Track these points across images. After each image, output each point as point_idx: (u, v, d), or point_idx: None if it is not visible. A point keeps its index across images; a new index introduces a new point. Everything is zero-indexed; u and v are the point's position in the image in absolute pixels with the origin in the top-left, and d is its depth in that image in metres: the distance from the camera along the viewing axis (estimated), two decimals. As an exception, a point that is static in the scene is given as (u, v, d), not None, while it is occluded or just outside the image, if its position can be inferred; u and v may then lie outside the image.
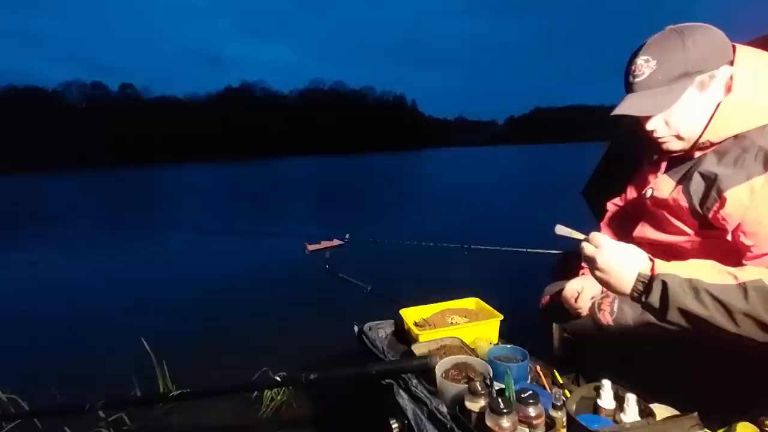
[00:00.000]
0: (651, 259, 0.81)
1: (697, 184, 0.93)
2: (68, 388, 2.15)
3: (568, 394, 1.00)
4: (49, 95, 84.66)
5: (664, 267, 0.78)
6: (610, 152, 1.84)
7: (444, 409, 0.96)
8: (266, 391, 1.97)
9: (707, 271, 0.76)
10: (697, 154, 0.97)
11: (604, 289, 1.12)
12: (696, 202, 0.93)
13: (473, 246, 4.10)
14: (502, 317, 1.37)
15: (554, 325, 1.27)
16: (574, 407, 0.93)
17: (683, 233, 0.98)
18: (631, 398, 0.87)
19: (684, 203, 0.95)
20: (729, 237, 0.88)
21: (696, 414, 0.81)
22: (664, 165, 1.07)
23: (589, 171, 1.95)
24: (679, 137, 0.95)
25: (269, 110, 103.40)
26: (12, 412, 2.02)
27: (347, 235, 5.27)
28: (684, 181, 0.97)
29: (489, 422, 0.79)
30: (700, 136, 0.93)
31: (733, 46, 0.91)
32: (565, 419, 0.84)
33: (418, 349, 1.23)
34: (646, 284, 0.78)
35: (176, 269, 4.97)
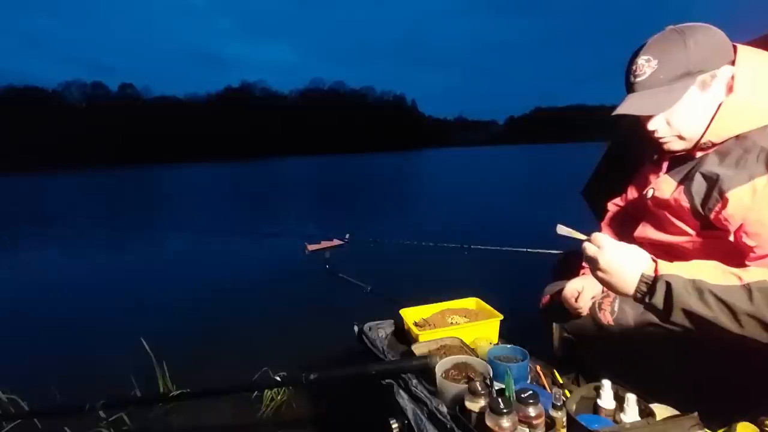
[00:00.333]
0: (654, 260, 0.80)
1: (699, 185, 0.92)
2: (68, 388, 2.15)
3: (568, 394, 1.00)
4: (49, 95, 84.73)
5: (667, 268, 0.78)
6: (611, 152, 1.84)
7: (444, 409, 0.96)
8: (266, 391, 1.97)
9: (711, 272, 0.76)
10: (699, 154, 0.97)
11: (605, 289, 1.12)
12: (698, 202, 0.92)
13: (473, 246, 4.10)
14: (502, 317, 1.37)
15: (554, 325, 1.27)
16: (574, 407, 0.93)
17: (684, 234, 0.98)
18: (631, 398, 0.87)
19: (685, 204, 0.95)
20: (731, 238, 0.88)
21: (696, 414, 0.81)
22: (665, 165, 1.07)
23: (589, 171, 1.95)
24: (680, 137, 0.95)
25: (269, 110, 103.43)
26: (12, 412, 2.02)
27: (347, 235, 5.27)
28: (685, 181, 0.96)
29: (489, 422, 0.79)
30: (702, 136, 0.92)
31: (734, 47, 0.90)
32: (565, 419, 0.84)
33: (418, 349, 1.23)
34: (649, 285, 0.78)
35: (176, 269, 4.97)
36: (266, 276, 4.33)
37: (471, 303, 1.53)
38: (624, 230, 1.20)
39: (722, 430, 0.81)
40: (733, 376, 0.89)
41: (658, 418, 0.85)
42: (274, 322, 3.02)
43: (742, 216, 0.85)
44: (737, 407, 0.83)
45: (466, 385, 0.92)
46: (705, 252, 0.95)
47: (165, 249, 6.05)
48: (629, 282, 0.80)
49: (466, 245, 4.13)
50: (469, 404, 0.88)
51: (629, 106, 0.93)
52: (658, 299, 0.77)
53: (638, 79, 0.92)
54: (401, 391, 1.12)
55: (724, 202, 0.86)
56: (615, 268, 0.80)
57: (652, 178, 1.09)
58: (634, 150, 1.21)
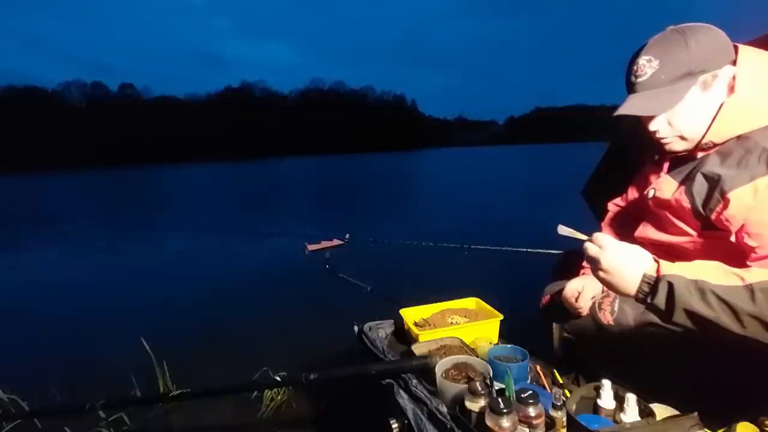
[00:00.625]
0: (656, 260, 0.80)
1: (700, 185, 0.92)
2: (68, 388, 2.15)
3: (568, 394, 1.00)
4: (49, 95, 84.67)
5: (669, 268, 0.78)
6: (611, 152, 1.84)
7: (444, 409, 0.97)
8: (266, 391, 1.97)
9: (713, 272, 0.76)
10: (700, 154, 0.96)
11: (605, 289, 1.12)
12: (699, 203, 0.92)
13: (473, 246, 4.10)
14: (502, 317, 1.37)
15: (554, 325, 1.27)
16: (574, 407, 0.93)
17: (685, 234, 0.98)
18: (631, 398, 0.87)
19: (686, 204, 0.94)
20: (732, 238, 0.88)
21: (696, 414, 0.81)
22: (666, 165, 1.06)
23: (589, 171, 1.95)
24: (682, 138, 0.94)
25: (269, 110, 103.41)
26: (12, 412, 2.01)
27: (347, 235, 5.28)
28: (687, 181, 0.96)
29: (489, 422, 0.79)
30: (703, 137, 0.92)
31: (735, 47, 0.90)
32: (565, 419, 0.84)
33: (418, 349, 1.23)
34: (651, 285, 0.78)
35: (176, 269, 4.97)
36: (266, 276, 4.33)
37: (471, 303, 1.53)
38: (624, 230, 1.20)
39: (722, 430, 0.81)
40: (733, 376, 0.89)
41: (658, 418, 0.85)
42: (274, 322, 3.02)
43: (744, 216, 0.85)
44: (737, 407, 0.83)
45: (466, 385, 0.92)
46: (706, 252, 0.95)
47: (165, 249, 6.05)
48: (631, 282, 0.80)
49: (466, 245, 4.13)
50: (469, 404, 0.88)
51: (631, 107, 0.93)
52: (660, 299, 0.77)
53: (639, 80, 0.91)
54: (401, 391, 1.12)
55: (726, 202, 0.86)
56: (617, 268, 0.80)
57: (652, 178, 1.09)
58: (635, 150, 1.21)
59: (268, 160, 58.01)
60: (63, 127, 73.79)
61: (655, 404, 0.90)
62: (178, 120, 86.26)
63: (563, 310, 1.18)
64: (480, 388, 0.88)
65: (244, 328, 2.93)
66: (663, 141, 0.97)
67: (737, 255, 0.87)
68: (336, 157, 62.23)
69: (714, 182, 0.89)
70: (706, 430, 0.80)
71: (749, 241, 0.85)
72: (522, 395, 0.81)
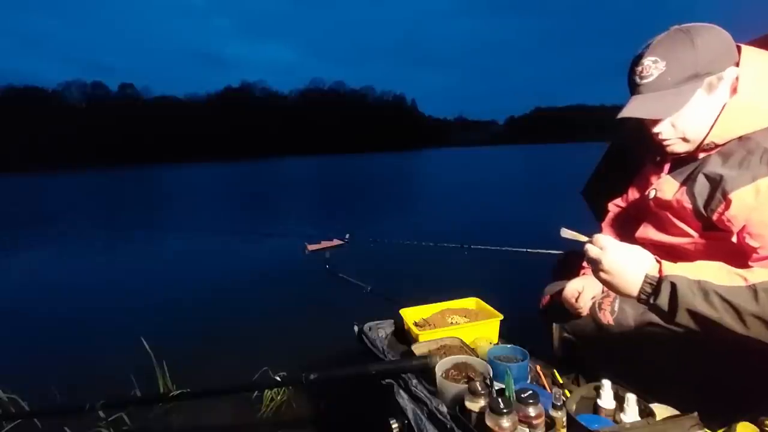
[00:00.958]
0: (658, 261, 0.80)
1: (702, 186, 0.92)
2: (68, 388, 2.15)
3: (568, 394, 1.00)
4: (49, 95, 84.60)
5: (671, 268, 0.77)
6: (611, 152, 1.83)
7: (444, 409, 0.96)
8: (266, 391, 1.97)
9: (716, 273, 0.76)
10: (701, 155, 0.96)
11: (605, 289, 1.12)
12: (700, 203, 0.92)
13: (473, 246, 4.10)
14: (502, 317, 1.37)
15: (554, 325, 1.27)
16: (574, 407, 0.93)
17: (686, 235, 0.97)
18: (631, 398, 0.87)
19: (688, 205, 0.94)
20: (734, 239, 0.88)
21: (696, 414, 0.81)
22: (667, 166, 1.06)
23: (589, 171, 1.95)
24: (684, 139, 0.94)
25: (269, 110, 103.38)
26: (12, 412, 2.01)
27: (347, 235, 5.27)
28: (688, 182, 0.96)
29: (489, 422, 0.79)
30: (705, 138, 0.92)
31: (738, 47, 0.90)
32: (565, 419, 0.84)
33: (418, 349, 1.23)
34: (654, 286, 0.78)
35: (176, 269, 4.97)
36: (266, 276, 4.33)
37: (471, 303, 1.53)
38: (625, 231, 1.20)
39: (722, 430, 0.81)
40: (734, 376, 0.89)
41: (658, 418, 0.85)
42: (274, 322, 3.02)
43: (745, 217, 0.84)
44: (737, 407, 0.83)
45: (466, 385, 0.92)
46: (707, 253, 0.94)
47: (165, 249, 6.05)
48: (633, 283, 0.79)
49: (466, 245, 4.12)
50: (469, 404, 0.88)
51: (635, 109, 0.91)
52: (663, 300, 0.76)
53: (645, 81, 0.90)
54: (401, 391, 1.12)
55: (727, 203, 0.86)
56: (618, 269, 0.80)
57: (653, 178, 1.09)
58: (636, 150, 1.21)
59: (268, 160, 58.02)
60: (63, 127, 73.74)
61: (655, 404, 0.90)
62: (178, 120, 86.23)
63: (563, 310, 1.18)
64: (480, 388, 0.88)
65: (244, 328, 2.93)
66: (665, 142, 0.96)
67: (738, 256, 0.87)
68: (336, 157, 62.24)
69: (716, 183, 0.89)
70: (706, 430, 0.80)
71: (751, 242, 0.84)
72: (522, 395, 0.81)
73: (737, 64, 0.88)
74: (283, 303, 3.46)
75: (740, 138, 0.89)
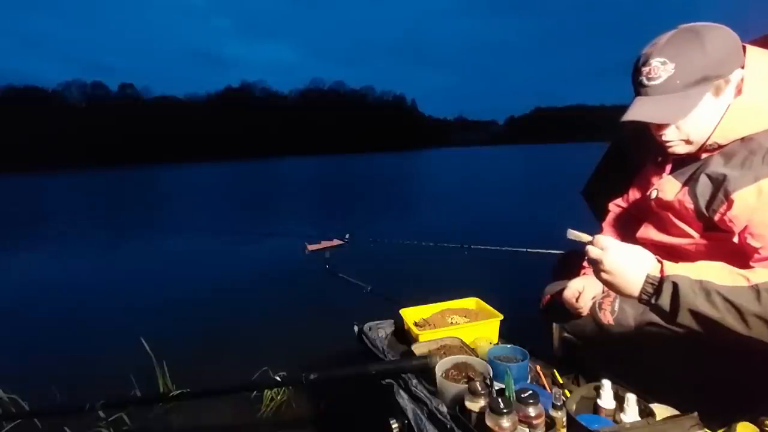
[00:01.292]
0: (659, 261, 0.80)
1: (704, 186, 0.91)
2: (68, 388, 2.15)
3: (568, 394, 1.00)
4: (49, 95, 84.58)
5: (673, 268, 0.77)
6: (611, 152, 1.83)
7: (444, 409, 0.96)
8: (266, 391, 1.97)
9: (718, 273, 0.76)
10: (704, 155, 0.95)
11: (605, 289, 1.12)
12: (702, 204, 0.91)
13: (473, 246, 4.09)
14: (502, 317, 1.37)
15: (554, 325, 1.27)
16: (574, 407, 0.93)
17: (687, 235, 0.97)
18: (631, 398, 0.87)
19: (689, 205, 0.94)
20: (735, 239, 0.87)
21: (696, 414, 0.81)
22: (668, 166, 1.05)
23: (589, 171, 1.95)
24: (687, 141, 0.93)
25: (269, 110, 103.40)
26: (12, 412, 2.01)
27: (347, 235, 5.27)
28: (690, 182, 0.95)
29: (489, 422, 0.79)
30: (708, 139, 0.91)
31: (743, 47, 0.89)
32: (565, 419, 0.84)
33: (418, 349, 1.23)
34: (655, 286, 0.77)
35: (176, 269, 4.97)
36: (266, 276, 4.33)
37: (471, 303, 1.53)
38: (626, 231, 1.20)
39: (722, 430, 0.81)
40: (734, 376, 0.89)
41: (658, 418, 0.85)
42: (274, 322, 3.02)
43: (747, 217, 0.84)
44: (737, 407, 0.83)
45: (466, 385, 0.92)
46: (708, 254, 0.94)
47: (165, 249, 6.05)
48: (634, 283, 0.79)
49: (466, 245, 4.12)
50: (469, 404, 0.88)
51: (641, 113, 0.90)
52: (665, 300, 0.76)
53: (652, 83, 0.88)
54: (401, 391, 1.12)
55: (729, 203, 0.85)
56: (619, 269, 0.80)
57: (655, 179, 1.08)
58: (636, 150, 1.21)
59: (268, 160, 58.01)
60: (63, 128, 73.76)
61: (655, 404, 0.90)
62: (178, 120, 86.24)
63: (563, 310, 1.18)
64: (480, 388, 0.88)
65: (244, 328, 2.93)
66: (667, 144, 0.95)
67: (739, 256, 0.86)
68: (336, 157, 62.23)
69: (718, 183, 0.88)
70: (706, 430, 0.80)
71: (752, 242, 0.84)
72: (522, 395, 0.81)
73: (743, 65, 0.87)
74: (283, 303, 3.46)
75: (742, 139, 0.89)
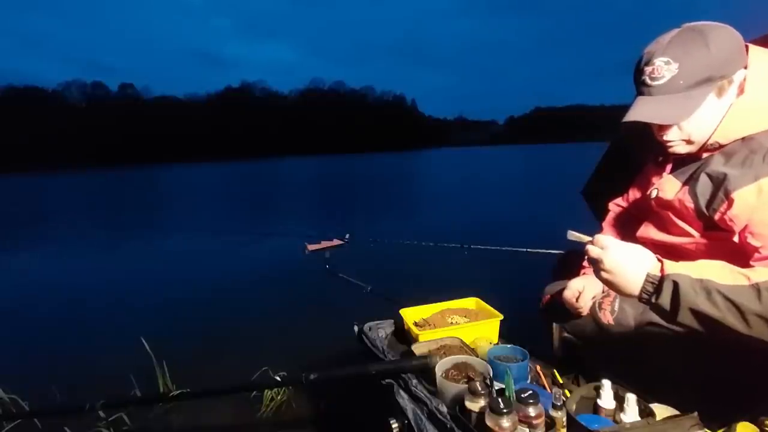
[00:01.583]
0: (659, 260, 0.79)
1: (704, 186, 0.91)
2: (68, 388, 2.15)
3: (568, 394, 1.00)
4: (49, 95, 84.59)
5: (673, 267, 0.77)
6: (611, 152, 1.83)
7: (444, 409, 0.96)
8: (266, 391, 1.97)
9: (718, 272, 0.75)
10: (704, 155, 0.95)
11: (605, 289, 1.12)
12: (702, 203, 0.91)
13: (473, 246, 4.10)
14: (502, 317, 1.37)
15: (554, 325, 1.27)
16: (574, 407, 0.93)
17: (688, 235, 0.97)
18: (631, 398, 0.87)
19: (690, 204, 0.93)
20: (736, 238, 0.87)
21: (696, 414, 0.80)
22: (669, 165, 1.05)
23: (589, 171, 1.95)
24: (689, 141, 0.93)
25: (269, 110, 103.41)
26: (12, 412, 2.02)
27: (347, 235, 5.27)
28: (690, 182, 0.95)
29: (489, 422, 0.79)
30: (709, 138, 0.91)
31: (746, 47, 0.88)
32: (565, 419, 0.84)
33: (418, 349, 1.23)
34: (656, 285, 0.77)
35: (176, 269, 4.97)
36: (266, 276, 4.33)
37: (471, 303, 1.53)
38: (626, 231, 1.20)
39: (722, 430, 0.81)
40: (734, 375, 0.89)
41: (658, 418, 0.85)
42: (274, 322, 3.02)
43: (747, 217, 0.84)
44: (737, 407, 0.83)
45: (466, 385, 0.92)
46: (708, 253, 0.94)
47: (165, 249, 6.05)
48: (634, 282, 0.79)
49: (466, 245, 4.13)
50: (469, 404, 0.88)
51: (644, 113, 0.89)
52: (665, 299, 0.76)
53: (655, 83, 0.87)
54: (401, 391, 1.12)
55: (730, 202, 0.85)
56: (619, 269, 0.79)
57: (655, 178, 1.08)
58: (637, 150, 1.21)
59: (268, 160, 58.01)
60: (63, 128, 73.74)
61: (655, 404, 0.90)
62: (178, 120, 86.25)
63: (563, 310, 1.18)
64: (480, 388, 0.88)
65: (244, 328, 2.93)
66: (668, 143, 0.95)
67: (740, 256, 0.86)
68: (336, 157, 62.23)
69: (719, 182, 0.88)
70: (706, 430, 0.80)
71: (752, 241, 0.84)
72: (522, 395, 0.81)
73: (746, 65, 0.87)
74: (283, 303, 3.46)
75: (743, 138, 0.88)
